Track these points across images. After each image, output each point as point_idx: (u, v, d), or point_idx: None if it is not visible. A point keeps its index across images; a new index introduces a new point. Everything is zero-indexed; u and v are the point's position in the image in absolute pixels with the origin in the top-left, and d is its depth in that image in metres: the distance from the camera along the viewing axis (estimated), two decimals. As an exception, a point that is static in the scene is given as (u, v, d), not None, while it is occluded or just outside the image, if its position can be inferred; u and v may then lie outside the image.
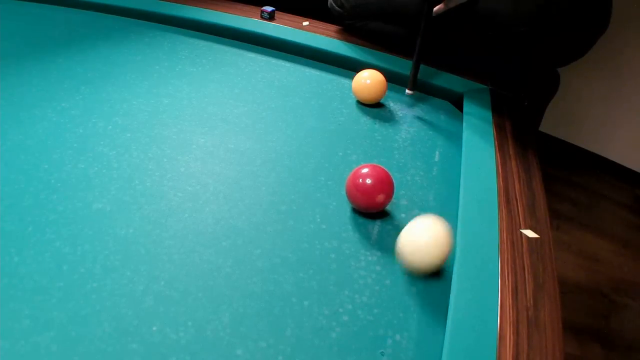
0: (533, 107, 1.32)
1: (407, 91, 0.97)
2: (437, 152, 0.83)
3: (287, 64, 1.04)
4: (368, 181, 0.63)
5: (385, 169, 0.65)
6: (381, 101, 0.94)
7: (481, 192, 0.70)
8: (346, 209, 0.68)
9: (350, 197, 0.65)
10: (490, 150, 0.79)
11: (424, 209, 0.70)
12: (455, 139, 0.86)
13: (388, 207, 0.69)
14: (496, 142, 0.81)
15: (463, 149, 0.79)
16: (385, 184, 0.64)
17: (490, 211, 0.66)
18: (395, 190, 0.66)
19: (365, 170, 0.64)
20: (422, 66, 1.02)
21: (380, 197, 0.64)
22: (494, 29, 0.98)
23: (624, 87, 1.78)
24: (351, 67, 1.04)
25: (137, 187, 0.68)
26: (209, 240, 0.61)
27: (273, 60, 1.05)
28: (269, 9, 1.14)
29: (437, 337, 0.52)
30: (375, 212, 0.67)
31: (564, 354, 0.50)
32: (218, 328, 0.51)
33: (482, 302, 0.54)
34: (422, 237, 0.55)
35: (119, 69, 0.95)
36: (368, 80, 0.89)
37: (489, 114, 0.89)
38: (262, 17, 1.14)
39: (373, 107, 0.93)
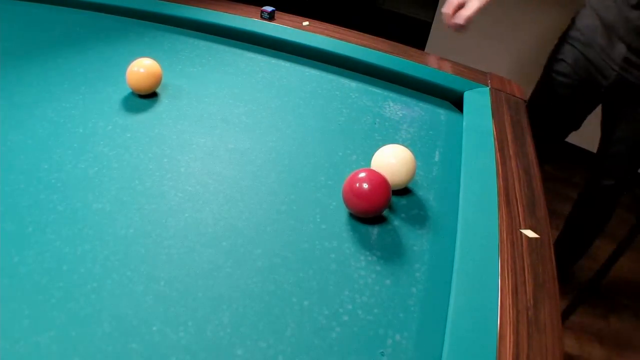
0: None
1: None
2: (437, 152, 0.83)
3: (287, 64, 1.04)
4: (365, 186, 0.63)
5: (382, 174, 0.65)
6: (382, 102, 0.94)
7: (481, 192, 0.70)
8: (346, 208, 0.68)
9: (348, 203, 0.65)
10: (490, 150, 0.79)
11: (424, 209, 0.70)
12: (455, 139, 0.86)
13: (388, 207, 0.69)
14: (496, 142, 0.81)
15: (463, 148, 0.79)
16: (382, 189, 0.63)
17: (490, 211, 0.66)
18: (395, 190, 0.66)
19: (362, 175, 0.64)
20: (422, 66, 1.03)
21: (378, 202, 0.64)
22: None
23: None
24: (351, 67, 1.04)
25: (137, 187, 0.68)
26: (209, 240, 0.61)
27: (273, 60, 1.05)
28: (269, 9, 1.14)
29: (437, 337, 0.52)
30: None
31: (564, 354, 0.50)
32: (218, 328, 0.51)
33: (482, 302, 0.54)
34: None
35: (119, 69, 0.95)
36: (142, 69, 0.85)
37: (489, 114, 0.89)
38: (262, 17, 1.14)
39: (373, 107, 0.93)
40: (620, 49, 1.14)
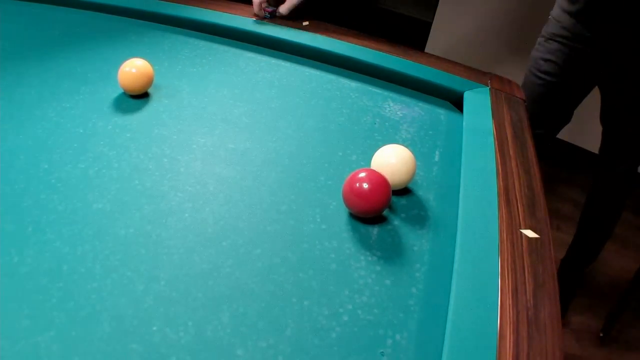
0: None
1: None
2: (437, 152, 0.83)
3: (287, 64, 1.04)
4: (365, 186, 0.63)
5: (382, 174, 0.65)
6: (382, 102, 0.94)
7: (481, 192, 0.70)
8: (346, 208, 0.68)
9: (348, 203, 0.65)
10: (490, 150, 0.79)
11: (424, 209, 0.70)
12: (455, 139, 0.86)
13: (388, 207, 0.69)
14: (496, 142, 0.81)
15: (463, 148, 0.79)
16: (382, 189, 0.63)
17: (490, 211, 0.66)
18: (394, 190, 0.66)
19: (362, 175, 0.64)
20: (422, 66, 1.03)
21: (378, 202, 0.64)
22: None
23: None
24: (351, 67, 1.04)
25: (137, 187, 0.68)
26: (209, 240, 0.61)
27: (273, 60, 1.05)
28: (270, 8, 1.14)
29: (437, 337, 0.52)
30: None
31: (564, 354, 0.50)
32: (218, 328, 0.51)
33: (482, 302, 0.54)
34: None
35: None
36: (134, 69, 0.85)
37: (489, 114, 0.89)
38: (263, 17, 1.14)
39: (373, 107, 0.93)
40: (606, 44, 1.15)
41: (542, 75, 1.31)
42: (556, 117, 1.40)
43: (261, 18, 1.14)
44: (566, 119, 1.42)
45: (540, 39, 1.33)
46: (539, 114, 1.35)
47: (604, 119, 1.38)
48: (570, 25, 1.22)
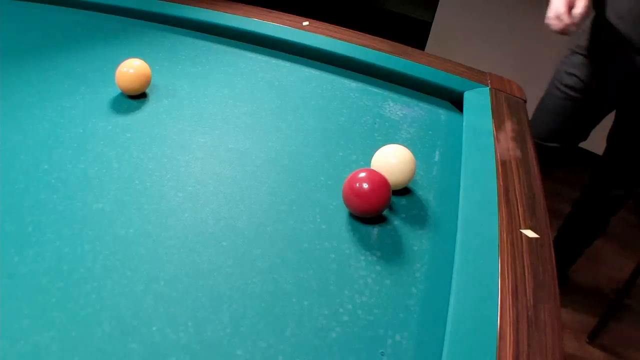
0: None
1: None
2: (437, 152, 0.83)
3: (287, 64, 1.04)
4: (365, 186, 0.63)
5: (382, 174, 0.65)
6: (382, 102, 0.94)
7: (481, 192, 0.70)
8: (346, 208, 0.68)
9: (348, 203, 0.65)
10: (490, 150, 0.79)
11: (424, 209, 0.70)
12: (455, 139, 0.86)
13: (388, 207, 0.69)
14: (496, 142, 0.81)
15: (463, 148, 0.79)
16: (382, 189, 0.63)
17: (490, 211, 0.66)
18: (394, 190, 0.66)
19: (362, 175, 0.64)
20: (422, 66, 1.03)
21: (378, 202, 0.64)
22: None
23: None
24: (351, 67, 1.04)
25: (137, 187, 0.68)
26: (209, 240, 0.61)
27: (273, 60, 1.05)
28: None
29: (437, 337, 0.52)
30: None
31: (564, 354, 0.50)
32: (218, 328, 0.51)
33: (482, 302, 0.54)
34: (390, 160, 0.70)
35: (119, 69, 0.95)
36: (131, 70, 0.85)
37: (489, 114, 0.89)
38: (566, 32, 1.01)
39: (373, 107, 0.93)
40: None
41: (564, 89, 1.26)
42: (574, 132, 1.35)
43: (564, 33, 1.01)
44: (583, 136, 1.37)
45: (567, 51, 1.28)
46: (557, 128, 1.31)
47: (613, 139, 1.34)
48: (597, 39, 1.17)
